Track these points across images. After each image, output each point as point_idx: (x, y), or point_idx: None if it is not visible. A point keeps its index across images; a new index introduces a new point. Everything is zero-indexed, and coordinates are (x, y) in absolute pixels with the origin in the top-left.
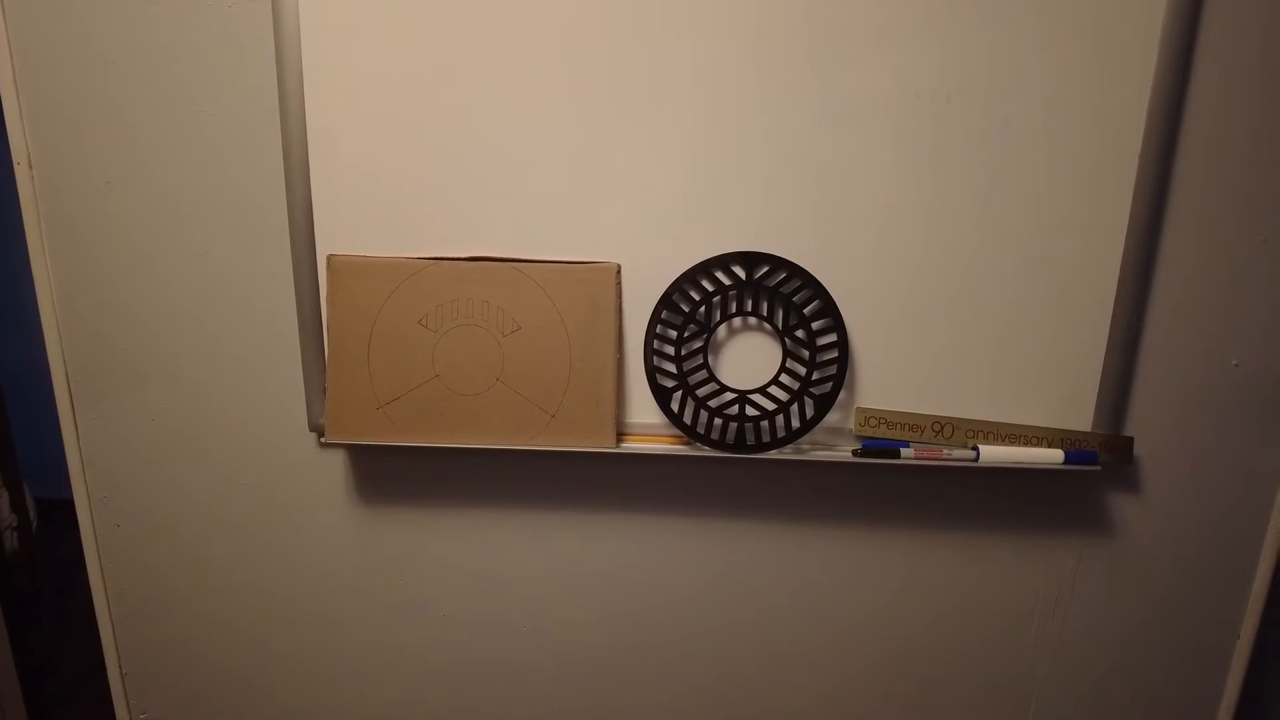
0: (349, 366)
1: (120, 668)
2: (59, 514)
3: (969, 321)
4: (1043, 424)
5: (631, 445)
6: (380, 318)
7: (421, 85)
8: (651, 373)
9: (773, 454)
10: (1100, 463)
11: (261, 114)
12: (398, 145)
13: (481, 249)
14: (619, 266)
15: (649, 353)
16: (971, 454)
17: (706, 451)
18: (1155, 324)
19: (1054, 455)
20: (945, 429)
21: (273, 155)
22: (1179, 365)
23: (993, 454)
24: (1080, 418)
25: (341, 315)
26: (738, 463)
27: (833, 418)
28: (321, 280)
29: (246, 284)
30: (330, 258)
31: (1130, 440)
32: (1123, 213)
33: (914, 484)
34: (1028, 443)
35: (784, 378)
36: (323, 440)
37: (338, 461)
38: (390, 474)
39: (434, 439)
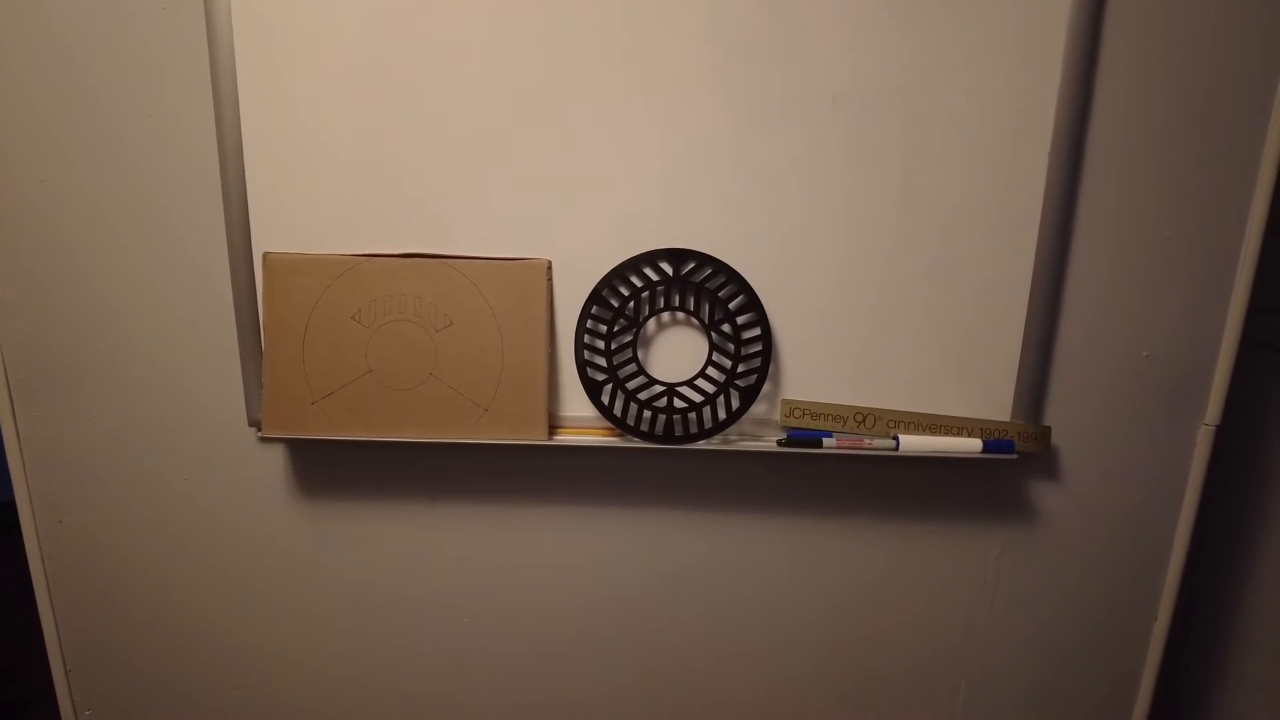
0: (285, 362)
1: (64, 665)
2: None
3: (890, 315)
4: (963, 414)
5: (564, 438)
6: (315, 314)
7: (355, 83)
8: (582, 366)
9: (700, 445)
10: (1018, 451)
11: (197, 112)
12: (332, 143)
13: (414, 245)
14: (550, 263)
15: (580, 347)
16: (891, 443)
17: (636, 443)
18: (1069, 317)
19: (972, 444)
20: (867, 419)
21: (208, 153)
22: (1093, 357)
23: (912, 443)
24: (1000, 408)
25: (277, 311)
26: (667, 453)
27: (759, 409)
28: (258, 277)
29: (184, 282)
30: (266, 255)
31: (1047, 429)
32: (1034, 211)
33: (841, 474)
34: (948, 432)
35: (711, 370)
36: (261, 435)
37: (278, 455)
38: (330, 467)
39: (368, 433)
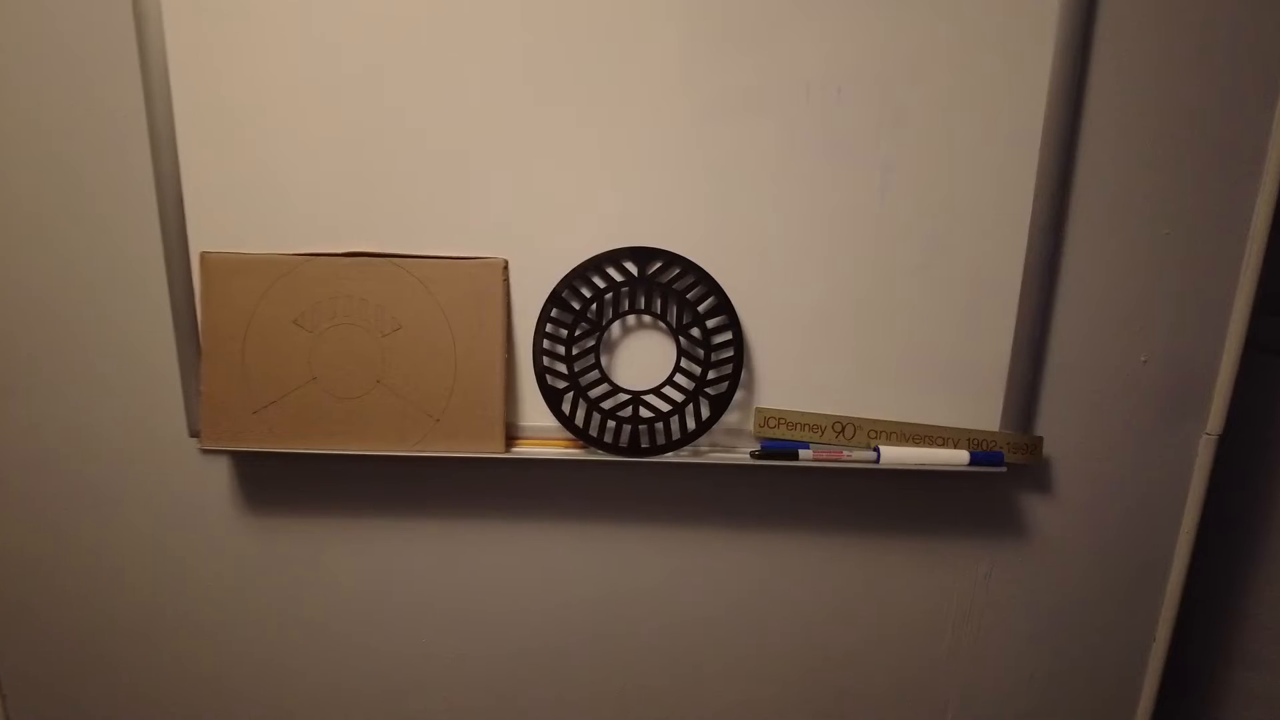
0: (224, 369)
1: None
2: None
3: (871, 319)
4: (949, 424)
5: (523, 450)
6: (255, 318)
7: (293, 72)
8: (541, 373)
9: (668, 457)
10: (1007, 463)
11: (127, 107)
12: (271, 136)
13: (359, 244)
14: (506, 262)
15: (539, 352)
16: (872, 455)
17: (600, 455)
18: (1062, 320)
19: (959, 456)
20: (847, 429)
21: (140, 150)
22: (1087, 362)
23: (895, 455)
24: (988, 417)
25: (215, 315)
26: (633, 466)
27: (732, 419)
28: (195, 279)
29: (118, 283)
30: (203, 255)
31: (1039, 440)
32: (1025, 207)
33: (819, 487)
34: (933, 443)
35: (679, 378)
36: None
37: (222, 467)
38: (276, 479)
39: (312, 445)
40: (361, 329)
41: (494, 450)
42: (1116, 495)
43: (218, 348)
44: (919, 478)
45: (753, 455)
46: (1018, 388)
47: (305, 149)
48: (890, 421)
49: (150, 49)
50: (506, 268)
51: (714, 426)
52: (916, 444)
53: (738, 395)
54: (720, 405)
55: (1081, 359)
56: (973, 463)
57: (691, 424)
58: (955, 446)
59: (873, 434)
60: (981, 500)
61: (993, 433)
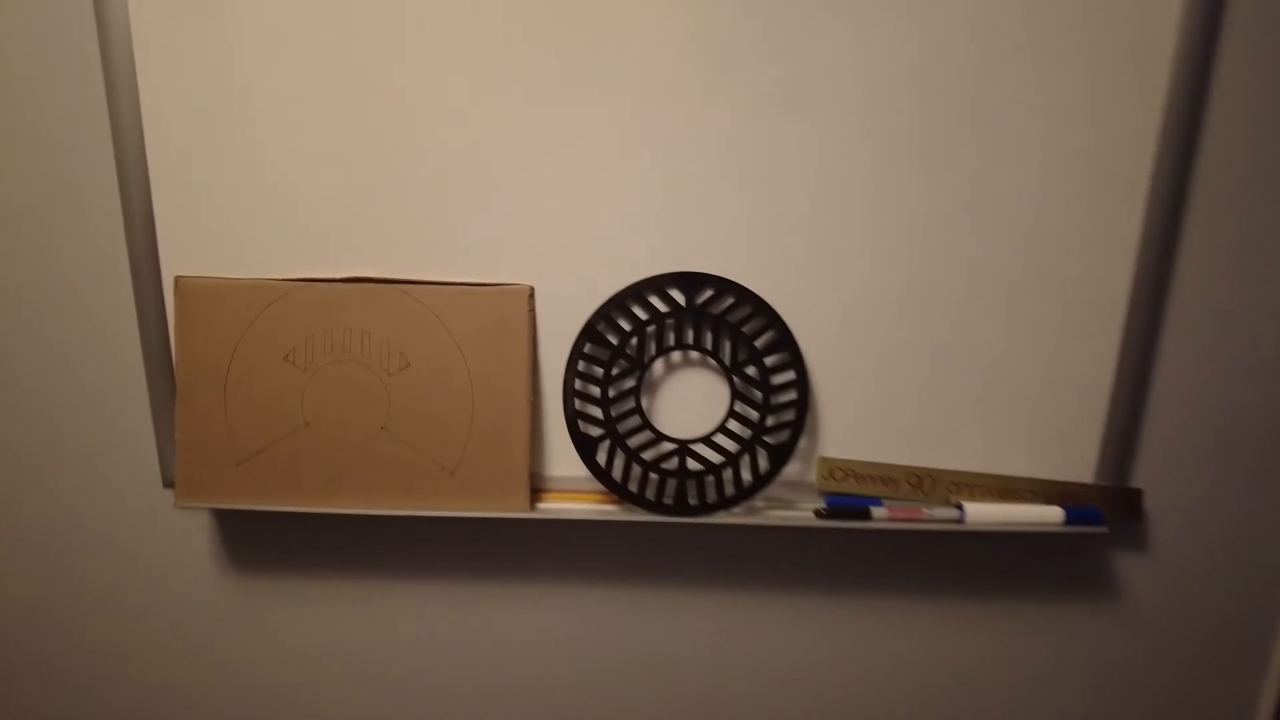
0: (202, 412)
1: None
2: None
3: (951, 355)
4: (1034, 474)
5: (550, 507)
6: (239, 352)
7: (284, 71)
8: (573, 419)
9: (721, 517)
10: (1106, 522)
11: (85, 102)
12: (257, 144)
13: (361, 268)
14: (532, 289)
15: (569, 394)
16: (955, 513)
17: (640, 515)
18: (1169, 355)
19: (1051, 514)
20: (924, 482)
21: (102, 156)
22: (1193, 407)
23: (981, 513)
24: (1079, 467)
25: (192, 350)
26: (680, 528)
27: (791, 469)
28: (169, 307)
29: (78, 314)
30: (178, 280)
31: (1138, 493)
32: (1134, 226)
33: (888, 546)
34: (1020, 498)
35: (732, 424)
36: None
37: (201, 522)
38: (264, 536)
39: (304, 502)
40: (363, 367)
41: (516, 509)
42: (1219, 556)
43: (195, 388)
44: (1001, 535)
45: (818, 514)
46: (1116, 432)
47: (297, 156)
48: (972, 473)
49: (113, 33)
50: (532, 296)
51: (772, 481)
52: (1002, 499)
53: (800, 443)
54: (781, 456)
55: (1187, 402)
56: (1068, 521)
57: (747, 477)
58: (1046, 501)
59: (953, 487)
60: (1067, 559)
61: (1086, 485)
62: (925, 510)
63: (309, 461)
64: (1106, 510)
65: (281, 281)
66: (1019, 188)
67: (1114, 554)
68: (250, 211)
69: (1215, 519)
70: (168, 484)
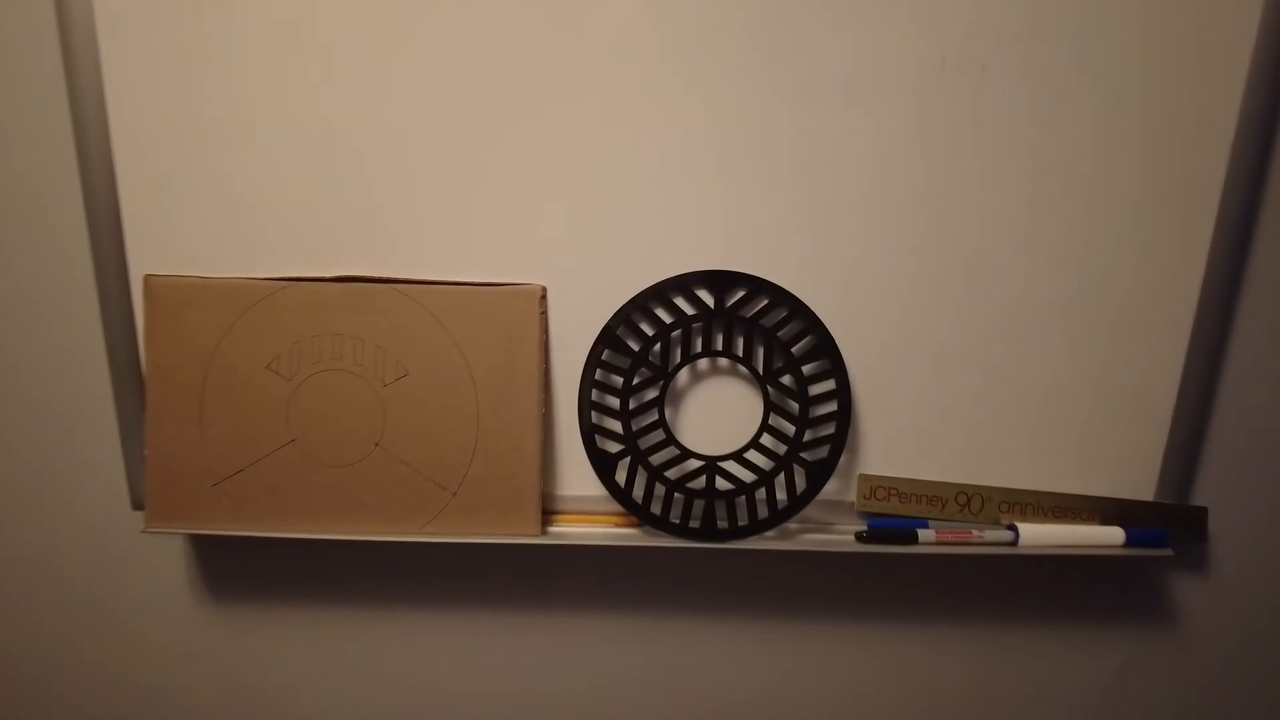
0: (175, 427)
1: None
2: None
3: (1003, 363)
4: (1091, 491)
5: (563, 531)
6: (216, 360)
7: (267, 49)
8: (589, 433)
9: (753, 542)
10: (1170, 544)
11: (46, 92)
12: (235, 128)
13: (353, 266)
14: (544, 290)
15: (585, 406)
16: (1008, 535)
17: (664, 539)
18: (1234, 368)
19: (1111, 535)
20: (973, 501)
21: (61, 140)
22: (1261, 419)
23: (1036, 535)
24: (1139, 484)
25: (164, 357)
26: (708, 553)
27: (829, 488)
28: (138, 309)
29: (37, 317)
30: (148, 279)
31: (1203, 512)
32: (1205, 229)
33: (936, 568)
34: (1076, 518)
35: (766, 439)
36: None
37: (175, 549)
38: (246, 564)
39: (289, 527)
40: (355, 376)
41: (526, 533)
42: None
43: (168, 400)
44: (1053, 557)
45: (859, 538)
46: (1178, 448)
47: (281, 142)
48: (1025, 491)
49: (74, 18)
50: (544, 297)
51: (810, 501)
52: (1057, 519)
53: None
54: (820, 474)
55: (1250, 415)
56: (1130, 543)
57: (782, 498)
58: (1104, 521)
59: (1004, 507)
60: (1123, 582)
61: (1148, 503)
62: (976, 532)
63: (295, 482)
64: (1169, 530)
65: (264, 281)
66: (1085, 180)
67: (1174, 576)
68: (228, 203)
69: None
70: (137, 506)
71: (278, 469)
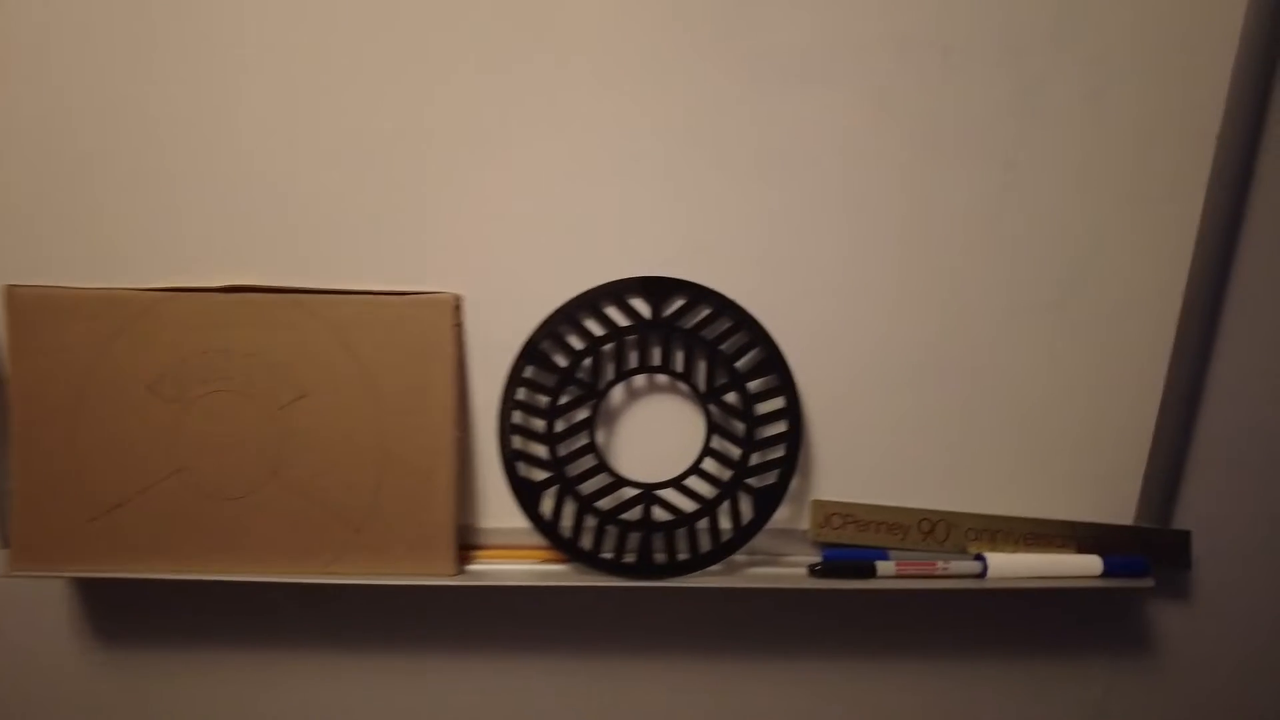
0: (44, 456)
1: None
2: None
3: (970, 379)
4: (1067, 516)
5: (483, 569)
6: (91, 381)
7: (144, 27)
8: (511, 460)
9: (696, 579)
10: (1152, 572)
11: None
12: (107, 118)
13: (244, 274)
14: (458, 299)
15: (506, 430)
16: (975, 566)
17: (596, 578)
18: (1220, 379)
19: (1088, 564)
20: (938, 528)
21: None
22: (1248, 436)
23: (1006, 565)
24: (1118, 507)
25: (30, 378)
26: (645, 592)
27: (780, 515)
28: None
29: None
30: (10, 290)
31: (1186, 537)
32: (1190, 222)
33: (896, 600)
34: (1050, 544)
35: (709, 463)
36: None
37: (55, 589)
38: (139, 605)
39: (177, 567)
40: (248, 398)
41: (440, 573)
42: (1271, 608)
43: (35, 425)
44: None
45: (813, 571)
46: (1160, 469)
47: (159, 135)
48: (994, 516)
49: None
50: (459, 307)
51: (759, 531)
52: (1030, 547)
53: (790, 484)
54: (768, 501)
55: (1239, 431)
56: (1108, 573)
57: (727, 528)
58: (1079, 548)
59: (972, 535)
60: (1101, 610)
61: (1129, 528)
62: (941, 564)
63: (182, 517)
64: (1151, 557)
65: (144, 292)
66: (1059, 176)
67: (1155, 604)
68: (101, 205)
69: (1268, 565)
70: (3, 545)
71: (163, 502)
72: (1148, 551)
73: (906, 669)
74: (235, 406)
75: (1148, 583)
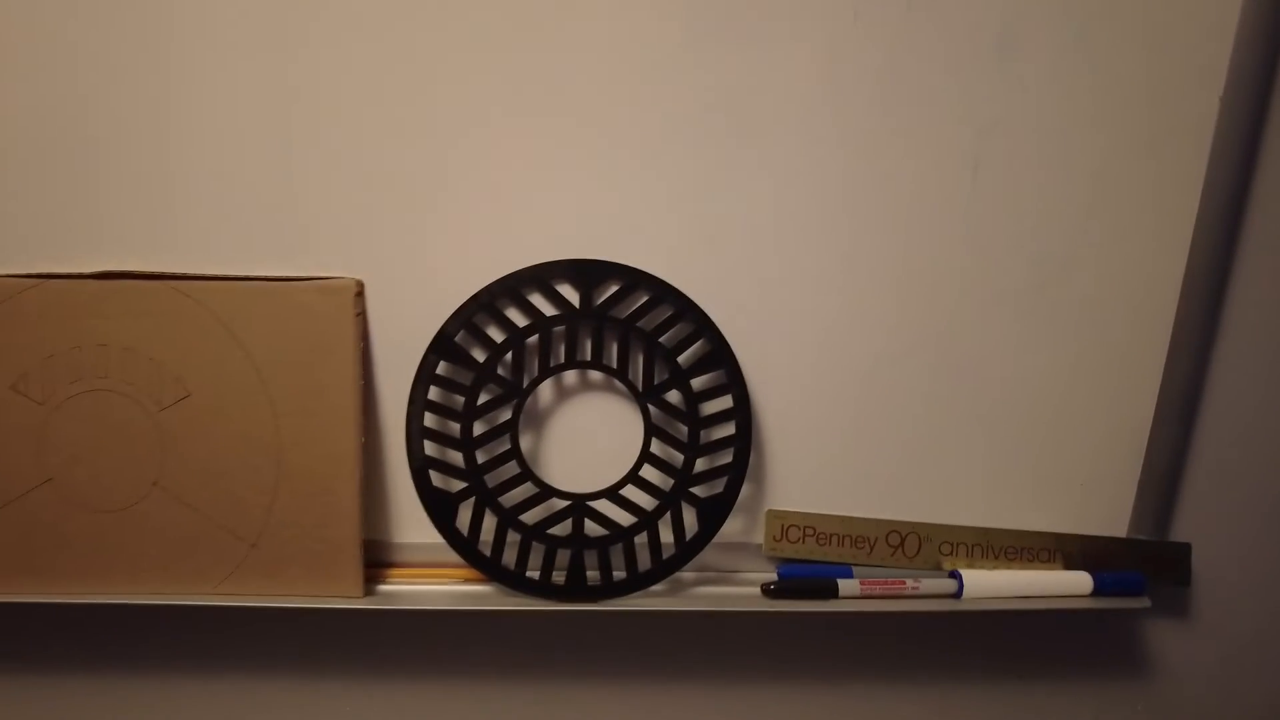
0: None
1: None
2: None
3: (943, 374)
4: (1051, 528)
5: (393, 590)
6: None
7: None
8: (422, 468)
9: (631, 601)
10: (1148, 589)
11: None
12: None
13: (119, 259)
14: (360, 285)
15: (417, 433)
16: (950, 584)
17: (521, 601)
18: (1222, 376)
19: (1075, 582)
20: (907, 541)
21: None
22: (1250, 438)
23: (984, 584)
24: (1110, 518)
25: None
26: (576, 617)
27: (731, 527)
28: None
29: None
30: None
31: (1186, 550)
32: (1190, 197)
33: (862, 622)
34: (1034, 560)
35: (648, 470)
36: None
37: None
38: (10, 626)
39: (49, 588)
40: (125, 398)
41: (345, 594)
42: (1273, 624)
43: None
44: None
45: (767, 591)
46: (1155, 476)
47: (21, 102)
48: (971, 529)
49: None
50: (361, 294)
51: (704, 547)
52: (1011, 562)
53: (741, 492)
54: (716, 513)
55: (1241, 436)
56: (1099, 591)
57: (669, 542)
58: (1067, 563)
59: (946, 549)
60: (1090, 628)
61: (1123, 540)
62: (911, 582)
63: (53, 531)
64: (1146, 572)
65: (7, 278)
66: (1041, 146)
67: (1150, 622)
68: None
69: (1274, 580)
70: None
71: (30, 515)
72: (1143, 567)
73: (872, 698)
74: (111, 407)
75: (1143, 603)
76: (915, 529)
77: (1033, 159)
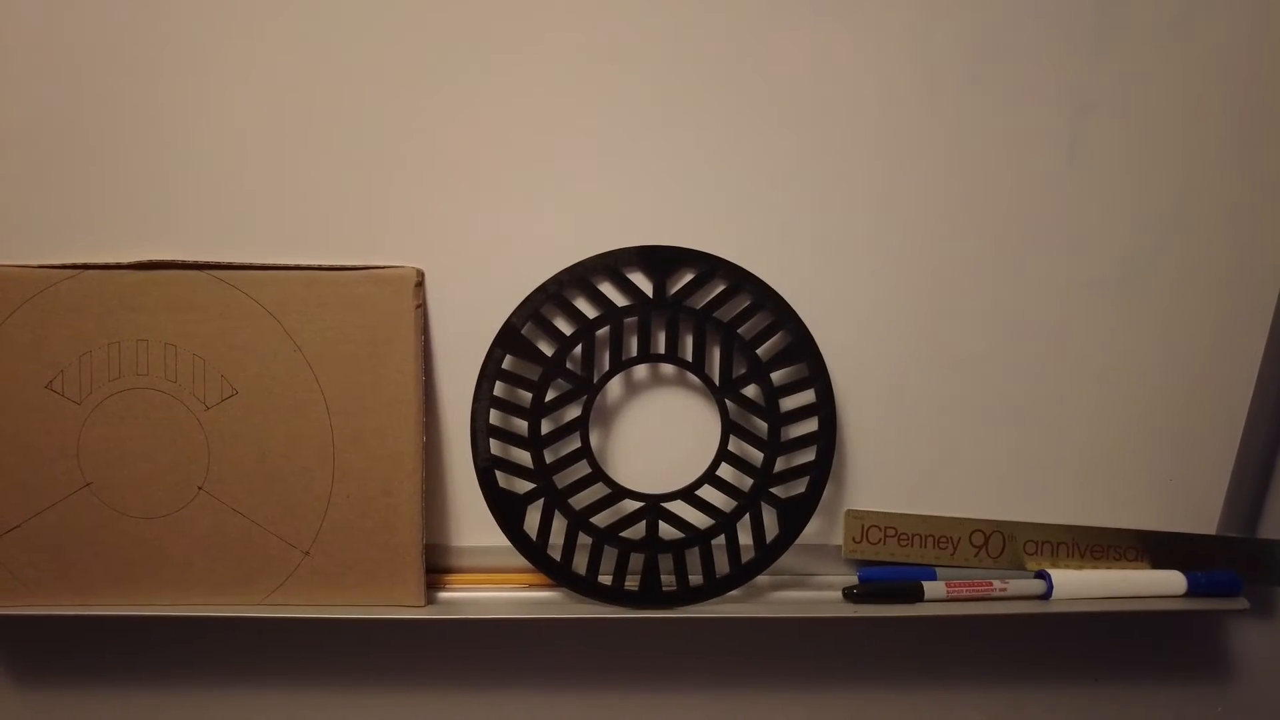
0: None
1: None
2: None
3: (1032, 364)
4: (1138, 525)
5: (456, 598)
6: None
7: None
8: (488, 468)
9: (708, 608)
10: (1244, 590)
11: None
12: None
13: (162, 248)
14: (420, 274)
15: (482, 432)
16: (1038, 585)
17: (592, 608)
18: None
19: (1167, 582)
20: (992, 541)
21: None
22: None
23: (1074, 584)
24: (1197, 514)
25: None
26: (650, 624)
27: (811, 529)
28: None
29: None
30: None
31: (1278, 546)
32: None
33: (946, 625)
34: (1122, 558)
35: (726, 470)
36: None
37: None
38: (40, 643)
39: (86, 600)
40: (168, 396)
41: (406, 603)
42: None
43: None
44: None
45: (849, 596)
46: (1250, 469)
47: (59, 84)
48: (1057, 526)
49: None
50: (421, 284)
51: (785, 550)
52: (1098, 561)
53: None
54: (797, 514)
55: None
56: (1192, 591)
57: (748, 545)
58: (1156, 563)
59: (1032, 548)
60: (1176, 629)
61: (1214, 538)
62: (998, 583)
63: (92, 540)
64: (1239, 571)
65: (39, 269)
66: (1142, 119)
67: (1239, 624)
68: None
69: None
70: None
71: (68, 523)
72: (1233, 565)
73: (952, 698)
74: (153, 407)
75: (1241, 604)
76: (999, 527)
77: (1135, 139)
